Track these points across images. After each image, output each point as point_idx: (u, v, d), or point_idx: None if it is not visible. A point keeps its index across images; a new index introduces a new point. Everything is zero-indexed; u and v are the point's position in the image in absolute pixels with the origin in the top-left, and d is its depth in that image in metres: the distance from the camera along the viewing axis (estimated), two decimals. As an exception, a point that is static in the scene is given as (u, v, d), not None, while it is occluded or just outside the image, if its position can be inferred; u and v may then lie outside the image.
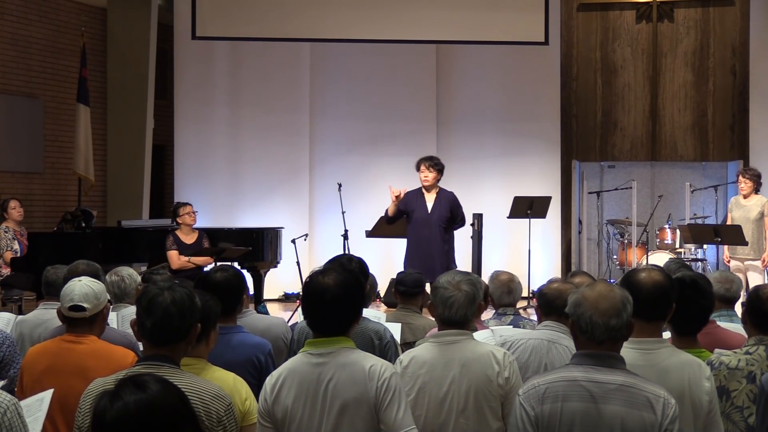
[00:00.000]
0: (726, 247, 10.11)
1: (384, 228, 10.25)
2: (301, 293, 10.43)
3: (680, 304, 3.57)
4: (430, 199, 8.85)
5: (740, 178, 10.03)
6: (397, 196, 8.86)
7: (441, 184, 8.99)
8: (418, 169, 8.91)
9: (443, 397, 3.60)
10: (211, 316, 3.59)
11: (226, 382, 3.42)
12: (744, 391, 3.74)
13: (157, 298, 3.17)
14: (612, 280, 11.62)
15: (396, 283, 5.87)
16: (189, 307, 3.20)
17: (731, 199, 10.33)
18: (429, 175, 8.83)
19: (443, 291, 3.72)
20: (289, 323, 6.27)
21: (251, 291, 9.64)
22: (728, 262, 10.05)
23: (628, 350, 3.25)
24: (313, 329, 3.33)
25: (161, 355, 3.15)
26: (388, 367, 3.25)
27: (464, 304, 3.69)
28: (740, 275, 9.65)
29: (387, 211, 9.05)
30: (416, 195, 8.89)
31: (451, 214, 8.84)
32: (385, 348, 4.59)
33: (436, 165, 8.87)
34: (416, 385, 3.63)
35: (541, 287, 4.54)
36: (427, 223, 8.76)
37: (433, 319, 5.97)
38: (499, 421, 3.59)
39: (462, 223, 9.06)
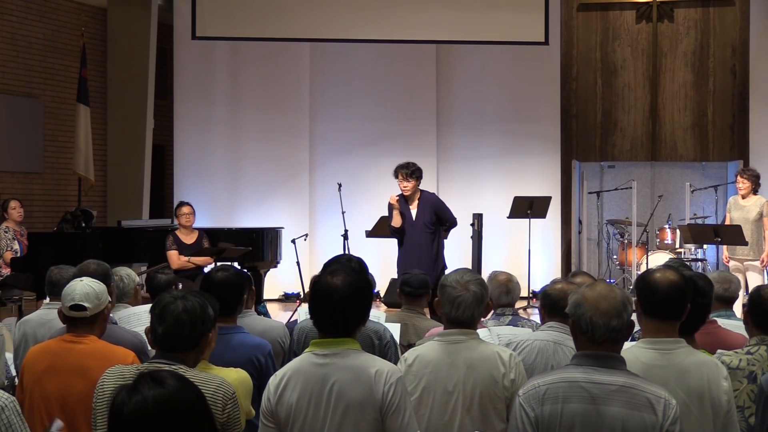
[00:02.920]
0: (725, 247, 10.11)
1: (384, 228, 10.25)
2: (300, 293, 10.34)
3: None
4: (413, 205, 8.67)
5: (738, 178, 10.02)
6: (396, 201, 8.67)
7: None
8: (396, 176, 8.67)
9: (448, 397, 3.58)
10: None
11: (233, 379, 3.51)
12: (745, 391, 3.74)
13: (169, 306, 3.26)
14: (612, 280, 11.65)
15: (401, 284, 5.86)
16: (200, 317, 3.27)
17: (730, 200, 10.32)
18: (408, 185, 8.59)
19: (451, 290, 3.67)
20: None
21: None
22: (728, 262, 10.05)
23: (646, 350, 3.26)
24: (319, 329, 3.32)
25: (173, 356, 3.23)
26: (395, 372, 3.24)
27: (472, 305, 3.65)
28: (740, 275, 9.65)
29: (392, 225, 8.72)
30: (402, 202, 8.70)
31: (436, 216, 8.68)
32: (384, 348, 4.58)
33: (413, 173, 8.61)
34: (420, 384, 3.61)
35: (545, 288, 4.50)
36: (413, 230, 8.62)
37: (435, 320, 6.00)
38: (503, 422, 3.56)
39: (452, 224, 8.86)
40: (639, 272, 7.86)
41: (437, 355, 3.63)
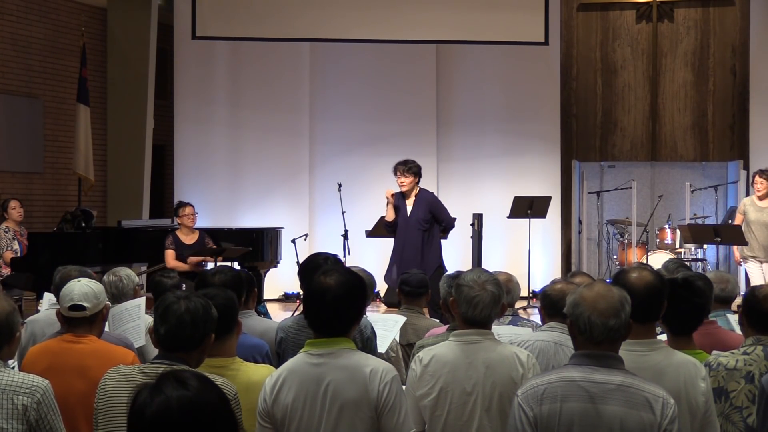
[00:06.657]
0: (736, 247, 9.96)
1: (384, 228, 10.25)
2: (300, 293, 10.36)
3: (673, 303, 3.56)
4: (409, 202, 8.87)
5: (757, 178, 9.73)
6: (392, 196, 8.87)
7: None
8: (395, 174, 8.90)
9: (466, 398, 3.55)
10: (234, 308, 3.69)
11: (264, 375, 3.54)
12: (743, 392, 3.74)
13: (172, 306, 3.25)
14: (610, 281, 11.63)
15: (400, 283, 5.86)
16: (203, 317, 3.26)
17: (745, 200, 10.02)
18: (405, 181, 8.80)
19: (468, 290, 3.64)
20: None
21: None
22: (739, 263, 9.95)
23: (622, 353, 3.25)
24: (313, 329, 3.32)
25: (175, 356, 3.22)
26: (389, 371, 3.23)
27: (489, 305, 3.62)
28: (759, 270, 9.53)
29: (385, 219, 9.00)
30: (399, 198, 8.92)
31: (432, 215, 8.83)
32: (366, 342, 4.59)
33: (410, 169, 8.81)
34: (438, 384, 3.57)
35: (545, 288, 4.50)
36: (406, 226, 8.80)
37: (435, 320, 6.01)
38: None
39: (448, 225, 9.00)
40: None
41: (455, 355, 3.59)
